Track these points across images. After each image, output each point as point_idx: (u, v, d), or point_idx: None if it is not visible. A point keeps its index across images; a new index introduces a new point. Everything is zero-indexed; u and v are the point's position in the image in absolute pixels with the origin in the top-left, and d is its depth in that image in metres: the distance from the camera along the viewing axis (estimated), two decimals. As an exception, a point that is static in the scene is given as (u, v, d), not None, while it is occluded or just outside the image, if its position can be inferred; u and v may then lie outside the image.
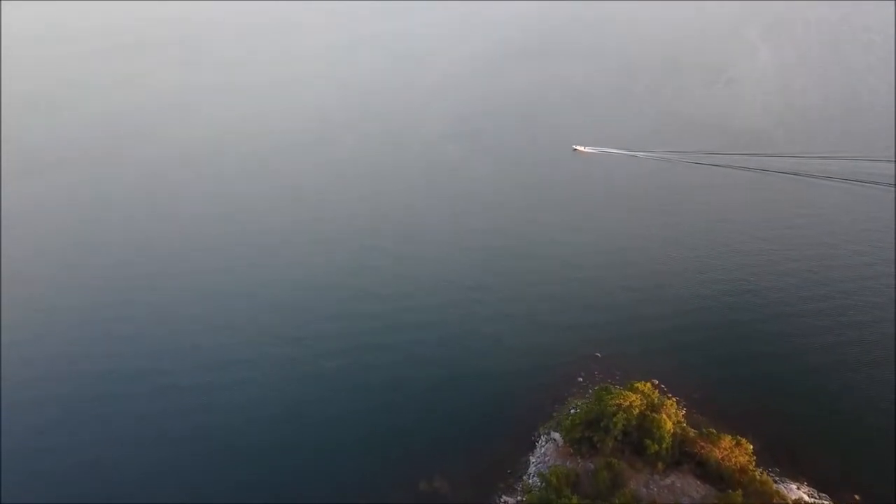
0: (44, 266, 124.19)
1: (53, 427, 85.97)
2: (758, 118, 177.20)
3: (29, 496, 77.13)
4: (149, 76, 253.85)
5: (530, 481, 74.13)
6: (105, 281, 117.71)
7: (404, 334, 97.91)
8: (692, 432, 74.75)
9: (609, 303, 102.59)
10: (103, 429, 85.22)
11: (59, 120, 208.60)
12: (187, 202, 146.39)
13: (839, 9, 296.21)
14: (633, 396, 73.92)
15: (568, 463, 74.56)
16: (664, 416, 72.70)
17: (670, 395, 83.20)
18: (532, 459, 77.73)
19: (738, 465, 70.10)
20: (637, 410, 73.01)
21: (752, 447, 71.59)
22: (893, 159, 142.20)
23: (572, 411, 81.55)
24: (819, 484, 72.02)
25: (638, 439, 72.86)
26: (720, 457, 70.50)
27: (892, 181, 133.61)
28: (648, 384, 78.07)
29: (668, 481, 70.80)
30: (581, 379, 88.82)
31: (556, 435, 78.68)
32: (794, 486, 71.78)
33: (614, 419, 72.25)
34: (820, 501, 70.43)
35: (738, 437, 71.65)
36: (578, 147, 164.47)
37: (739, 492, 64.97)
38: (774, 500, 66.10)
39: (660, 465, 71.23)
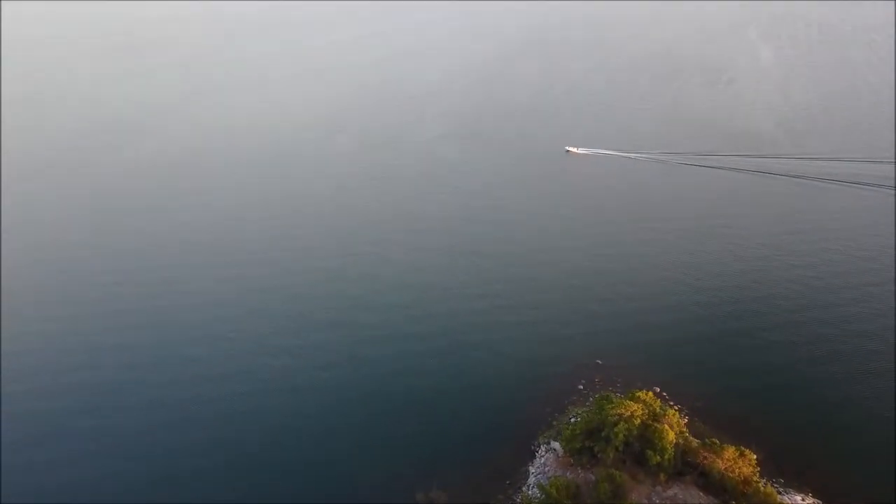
0: (36, 269, 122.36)
1: (46, 438, 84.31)
2: (759, 119, 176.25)
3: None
4: (148, 76, 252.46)
5: (529, 492, 72.68)
6: (98, 289, 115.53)
7: (401, 343, 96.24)
8: (695, 442, 73.46)
9: (609, 309, 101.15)
10: (97, 441, 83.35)
11: (58, 120, 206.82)
12: (182, 208, 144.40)
13: (840, 9, 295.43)
14: (635, 406, 72.50)
15: (568, 473, 73.17)
16: (666, 426, 71.25)
17: (672, 404, 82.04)
18: (531, 469, 76.28)
19: (742, 476, 68.71)
20: (638, 420, 71.55)
21: (755, 457, 70.30)
22: (894, 161, 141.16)
23: (572, 420, 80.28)
24: (824, 495, 70.53)
25: (640, 450, 71.43)
26: (723, 468, 69.07)
27: (893, 183, 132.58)
28: (650, 393, 76.69)
29: (670, 493, 69.45)
30: (581, 387, 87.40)
31: (556, 444, 77.28)
32: (798, 498, 70.43)
33: (615, 429, 70.83)
34: (824, 512, 69.25)
35: (742, 448, 70.19)
36: (571, 148, 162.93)
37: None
38: (778, 512, 64.90)
39: (662, 476, 69.86)
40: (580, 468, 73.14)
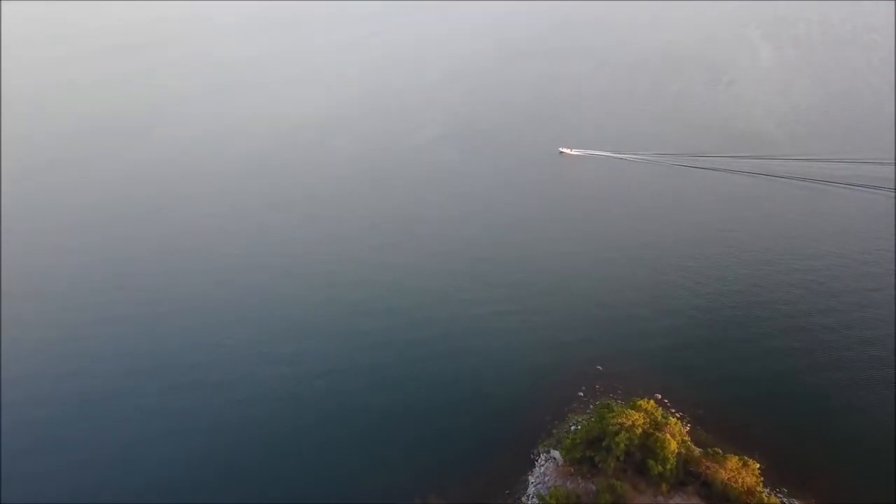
0: (34, 274, 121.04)
1: (45, 445, 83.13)
2: (759, 120, 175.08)
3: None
4: (147, 76, 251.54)
5: (529, 502, 71.56)
6: (95, 295, 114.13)
7: (400, 349, 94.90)
8: (697, 451, 72.36)
9: (609, 314, 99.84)
10: (93, 450, 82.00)
11: (58, 120, 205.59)
12: (180, 212, 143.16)
13: (840, 9, 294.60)
14: (636, 415, 71.41)
15: (568, 483, 72.01)
16: (668, 435, 70.12)
17: (674, 411, 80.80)
18: (531, 479, 75.03)
19: (745, 486, 67.62)
20: (640, 429, 70.46)
21: (758, 466, 69.16)
22: (894, 162, 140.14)
23: (573, 428, 79.16)
24: (828, 505, 69.59)
25: (641, 459, 70.33)
26: (726, 478, 67.98)
27: (894, 185, 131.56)
28: (652, 401, 75.56)
29: (672, 503, 68.35)
30: (582, 393, 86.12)
31: (556, 453, 76.08)
32: (802, 508, 69.43)
33: (616, 439, 69.75)
34: (829, 523, 68.09)
35: (745, 458, 69.11)
36: (564, 149, 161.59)
37: (747, 515, 62.70)
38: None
39: (664, 486, 68.73)
40: (580, 478, 72.00)
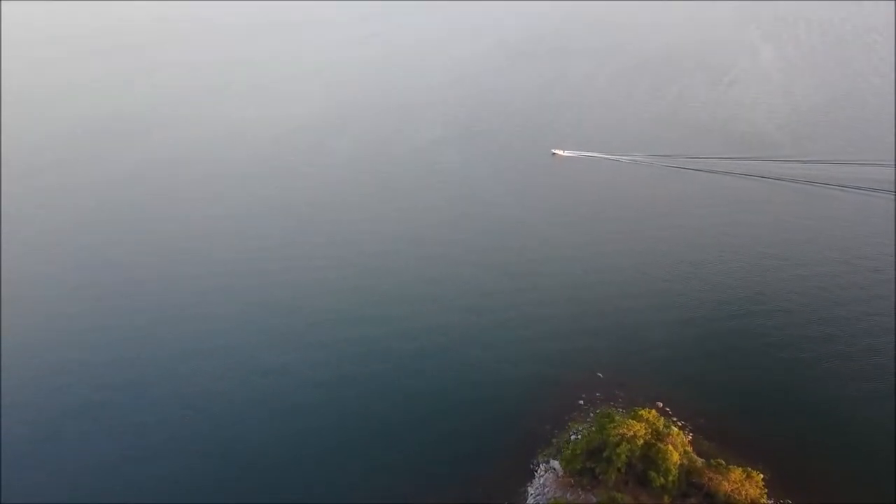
0: (32, 277, 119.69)
1: (43, 450, 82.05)
2: (760, 122, 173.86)
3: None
4: (147, 77, 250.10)
5: (529, 514, 70.45)
6: (93, 295, 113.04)
7: (398, 358, 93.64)
8: (700, 462, 71.15)
9: (610, 322, 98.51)
10: (88, 456, 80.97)
11: (57, 120, 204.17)
12: (179, 214, 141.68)
13: (841, 9, 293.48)
14: (637, 425, 70.15)
15: (568, 495, 70.84)
16: (670, 446, 68.91)
17: (675, 420, 79.62)
18: (530, 490, 73.78)
19: (749, 498, 66.46)
20: (641, 440, 69.24)
21: (762, 478, 67.90)
22: (894, 164, 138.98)
23: (573, 437, 77.96)
24: (833, 517, 68.38)
25: (642, 471, 69.15)
26: (729, 489, 66.79)
27: (893, 187, 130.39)
28: (653, 411, 74.37)
29: (674, 516, 67.14)
30: (582, 402, 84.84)
31: (556, 464, 74.83)
32: (806, 520, 68.22)
33: (617, 450, 68.50)
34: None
35: (749, 469, 67.91)
36: (557, 151, 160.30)
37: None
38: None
39: (666, 498, 67.58)
40: (581, 489, 70.86)
